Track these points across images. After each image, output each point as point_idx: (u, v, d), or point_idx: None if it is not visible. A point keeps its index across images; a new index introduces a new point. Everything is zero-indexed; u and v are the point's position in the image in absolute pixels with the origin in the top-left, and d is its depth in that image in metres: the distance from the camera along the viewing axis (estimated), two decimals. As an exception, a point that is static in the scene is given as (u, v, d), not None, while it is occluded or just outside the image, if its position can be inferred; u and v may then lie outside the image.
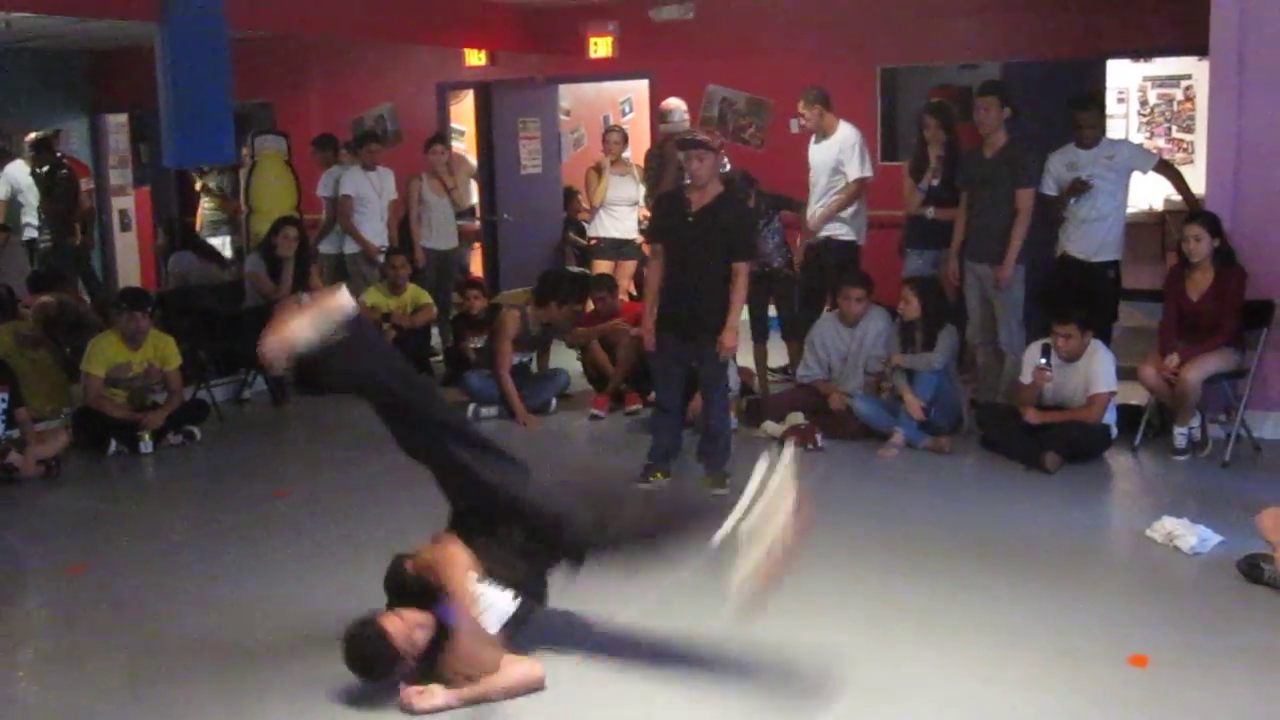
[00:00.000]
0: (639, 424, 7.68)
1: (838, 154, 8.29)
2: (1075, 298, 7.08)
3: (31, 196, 11.43)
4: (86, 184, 10.95)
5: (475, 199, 11.72)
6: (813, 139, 8.45)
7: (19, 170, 11.57)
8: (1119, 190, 7.44)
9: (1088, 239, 7.40)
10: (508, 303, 8.84)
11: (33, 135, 11.58)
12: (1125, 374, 7.00)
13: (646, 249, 7.93)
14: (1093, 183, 7.28)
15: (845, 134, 8.34)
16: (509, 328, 8.18)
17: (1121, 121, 12.52)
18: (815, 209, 8.31)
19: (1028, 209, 7.32)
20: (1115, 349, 7.06)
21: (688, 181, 6.36)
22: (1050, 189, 7.43)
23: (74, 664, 4.54)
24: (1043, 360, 6.81)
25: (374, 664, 3.99)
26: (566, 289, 8.43)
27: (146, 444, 7.46)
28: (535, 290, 8.47)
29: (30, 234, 11.37)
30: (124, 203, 13.80)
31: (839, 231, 8.30)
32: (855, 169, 8.24)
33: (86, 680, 4.36)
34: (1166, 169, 7.78)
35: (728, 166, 8.44)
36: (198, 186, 11.62)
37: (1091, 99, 7.70)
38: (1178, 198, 10.28)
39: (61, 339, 8.48)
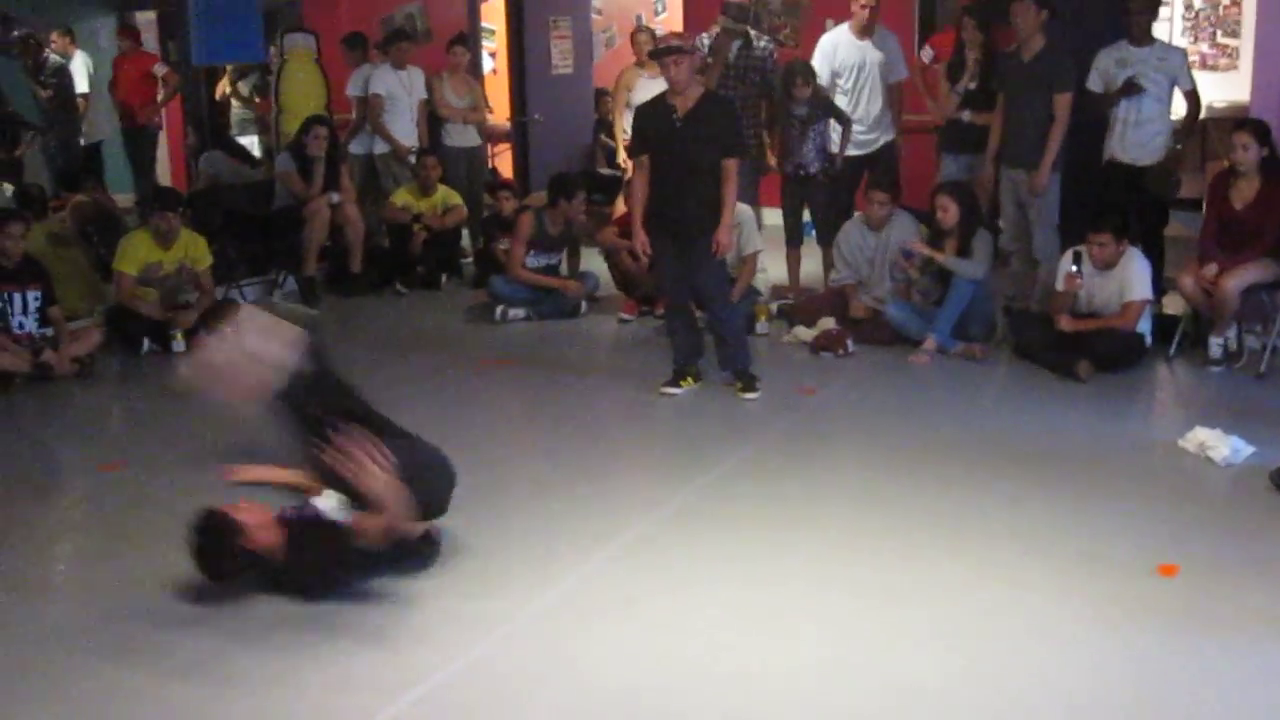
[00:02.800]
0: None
1: (888, 52, 8.17)
2: (1121, 205, 6.97)
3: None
4: (161, 69, 10.70)
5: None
6: (845, 36, 8.27)
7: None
8: (1165, 95, 7.29)
9: (1136, 143, 7.27)
10: (534, 204, 8.80)
11: (15, 34, 11.37)
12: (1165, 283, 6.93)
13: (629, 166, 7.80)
14: (1143, 84, 7.13)
15: (888, 33, 8.22)
16: (523, 228, 8.24)
17: (1165, 25, 12.25)
18: (873, 112, 8.21)
19: (1065, 114, 7.20)
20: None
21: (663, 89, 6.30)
22: (1096, 85, 7.30)
23: (111, 560, 4.60)
24: (1074, 268, 6.73)
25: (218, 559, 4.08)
26: (572, 186, 8.39)
27: (179, 343, 7.48)
28: (547, 190, 8.46)
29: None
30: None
31: (890, 135, 8.24)
32: (904, 68, 8.18)
33: (124, 575, 4.42)
34: (1191, 99, 7.58)
35: (772, 53, 8.32)
36: (219, 93, 11.48)
37: None
38: (1220, 104, 10.12)
39: (95, 238, 8.50)
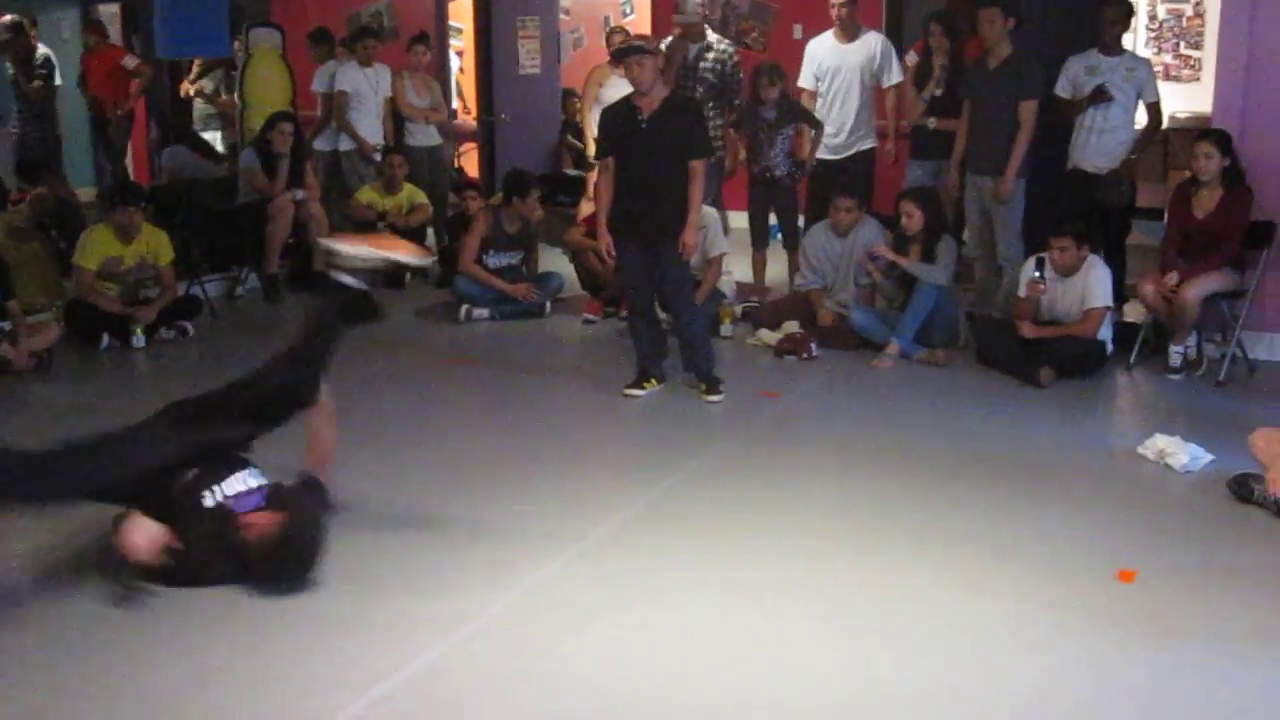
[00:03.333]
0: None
1: (874, 57, 8.17)
2: (1082, 211, 7.03)
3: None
4: (131, 62, 10.58)
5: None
6: (828, 40, 8.28)
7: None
8: (1130, 104, 7.39)
9: (1099, 151, 7.33)
10: (499, 204, 8.78)
11: (7, 18, 11.24)
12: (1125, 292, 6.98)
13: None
14: (1112, 92, 7.20)
15: (876, 37, 8.24)
16: (478, 225, 8.28)
17: (1130, 35, 12.35)
18: (847, 119, 8.21)
19: (1030, 121, 7.26)
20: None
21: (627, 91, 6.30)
22: (1065, 91, 7.36)
23: (68, 555, 4.55)
24: (1037, 274, 6.77)
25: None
26: (526, 184, 8.39)
27: (139, 338, 7.43)
28: (502, 188, 8.47)
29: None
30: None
31: (867, 143, 8.26)
32: (897, 73, 8.20)
33: (82, 572, 4.37)
34: (1154, 110, 7.64)
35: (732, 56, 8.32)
36: (184, 90, 11.38)
37: None
38: (1183, 114, 10.23)
39: (54, 231, 8.40)
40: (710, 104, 8.19)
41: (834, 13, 8.16)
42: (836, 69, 8.23)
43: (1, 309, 6.95)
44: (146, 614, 4.04)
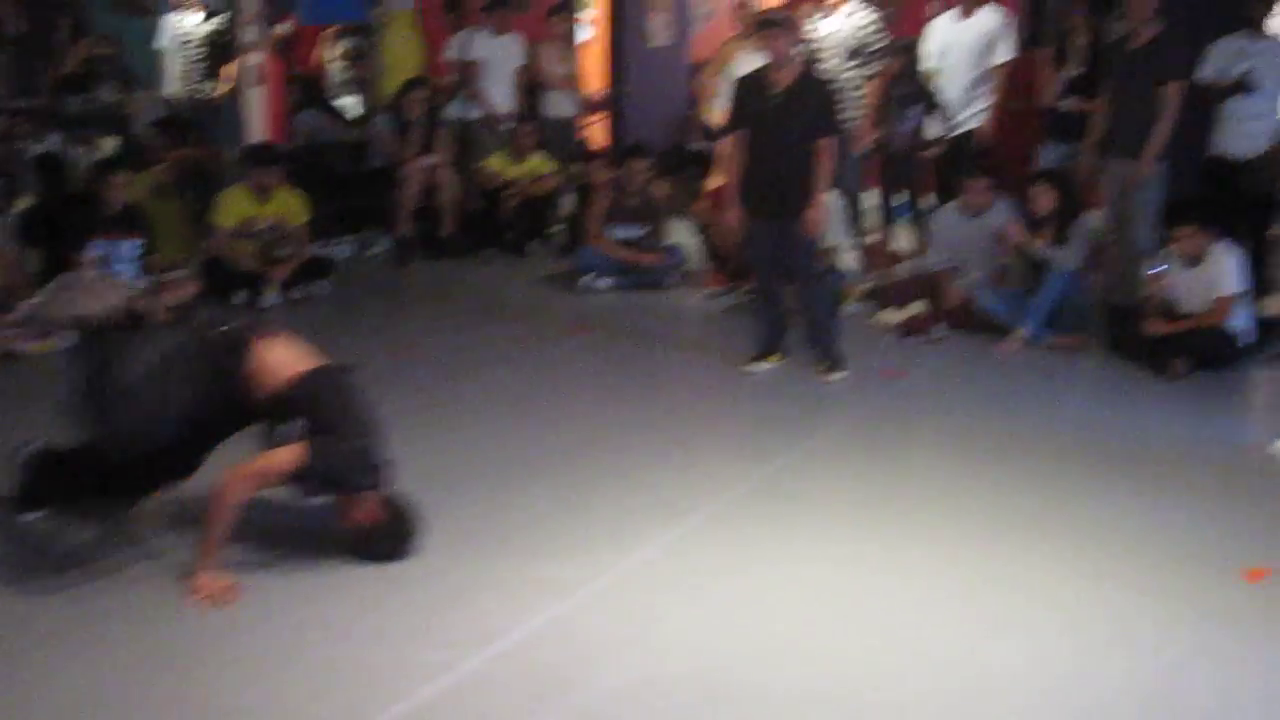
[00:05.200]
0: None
1: (989, 35, 8.05)
2: (1222, 201, 6.82)
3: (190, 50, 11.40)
4: (285, 27, 10.85)
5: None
6: (948, 17, 8.18)
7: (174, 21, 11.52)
8: (1276, 90, 7.12)
9: (1243, 138, 7.11)
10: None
11: None
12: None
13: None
14: (1259, 82, 6.97)
15: (996, 14, 8.09)
16: (601, 196, 8.37)
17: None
18: (959, 95, 8.10)
19: (1174, 104, 7.03)
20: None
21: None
22: (1208, 75, 7.15)
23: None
24: (1158, 268, 6.58)
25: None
26: (635, 150, 8.46)
27: (271, 296, 7.62)
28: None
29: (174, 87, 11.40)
30: (255, 58, 13.85)
31: (976, 122, 8.14)
32: (1008, 51, 8.04)
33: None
34: None
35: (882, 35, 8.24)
36: (317, 57, 11.58)
37: None
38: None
39: (193, 191, 8.64)
40: (852, 73, 8.15)
41: None
42: (950, 47, 8.17)
43: (142, 264, 7.19)
44: (274, 571, 4.16)
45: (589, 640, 3.73)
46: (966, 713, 3.39)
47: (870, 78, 8.22)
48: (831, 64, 8.10)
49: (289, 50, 10.87)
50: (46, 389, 6.15)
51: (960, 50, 8.11)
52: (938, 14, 8.44)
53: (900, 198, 8.52)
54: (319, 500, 4.19)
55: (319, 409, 4.07)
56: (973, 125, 8.19)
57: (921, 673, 3.58)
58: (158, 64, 11.15)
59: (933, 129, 8.05)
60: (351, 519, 4.16)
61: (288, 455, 4.00)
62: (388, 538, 4.19)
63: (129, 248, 7.14)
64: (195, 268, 7.86)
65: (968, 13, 8.11)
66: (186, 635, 3.72)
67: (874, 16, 8.42)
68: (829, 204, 7.09)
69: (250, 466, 4.02)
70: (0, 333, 6.43)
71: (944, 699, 3.45)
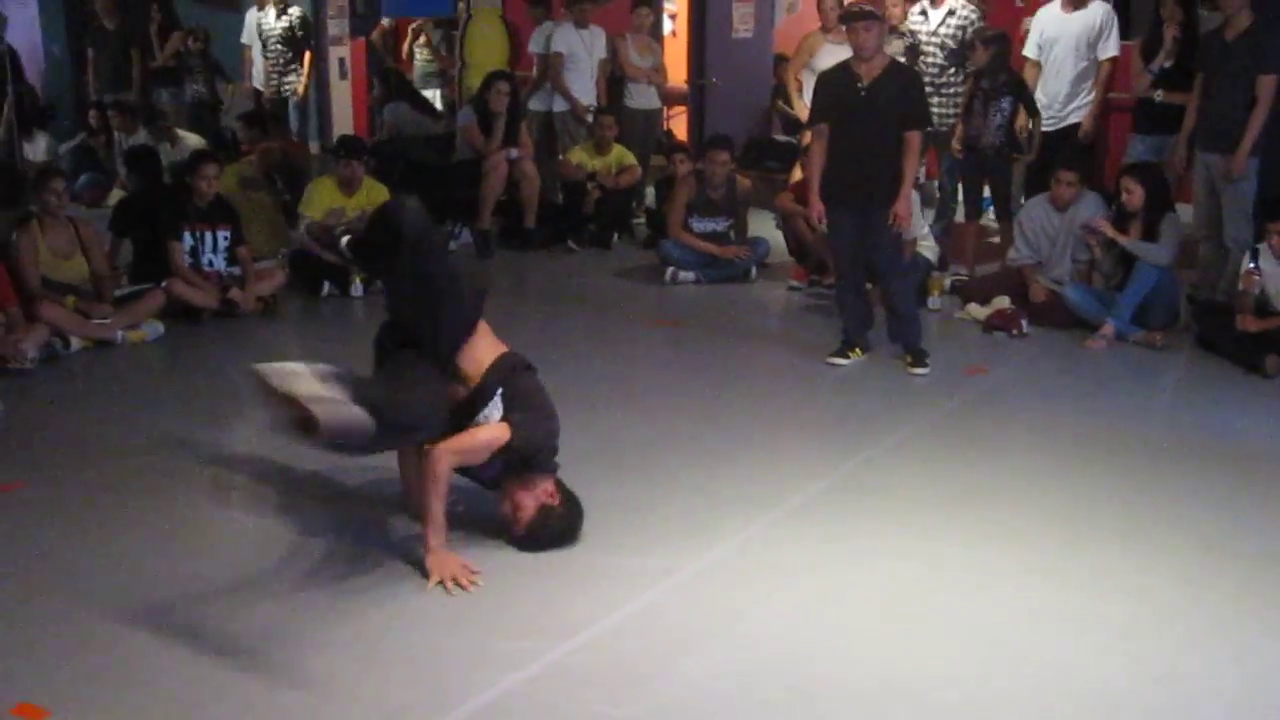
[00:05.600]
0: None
1: (1095, 28, 7.93)
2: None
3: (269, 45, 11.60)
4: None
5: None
6: (1054, 9, 8.07)
7: (256, 17, 11.74)
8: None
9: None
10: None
11: None
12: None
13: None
14: None
15: (1102, 7, 7.97)
16: (682, 189, 8.34)
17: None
18: (1060, 89, 8.01)
19: (1269, 97, 6.89)
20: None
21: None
22: None
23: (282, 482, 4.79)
24: (1252, 265, 6.44)
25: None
26: (718, 140, 8.42)
27: (358, 287, 7.71)
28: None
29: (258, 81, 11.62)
30: (340, 52, 14.05)
31: (1077, 116, 8.02)
32: (1114, 47, 7.93)
33: (307, 500, 4.60)
34: None
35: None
36: (404, 50, 11.72)
37: None
38: None
39: (280, 183, 8.79)
40: (950, 69, 8.07)
41: None
42: (1056, 38, 8.03)
43: (232, 254, 7.32)
44: (365, 562, 4.22)
45: (671, 632, 3.75)
46: (1049, 715, 3.36)
47: (968, 76, 8.15)
48: (933, 59, 8.05)
49: (390, 44, 11.00)
50: (142, 377, 6.34)
51: (1067, 42, 7.98)
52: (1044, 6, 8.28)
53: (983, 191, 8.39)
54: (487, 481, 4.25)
55: (519, 389, 4.20)
56: (1075, 120, 8.05)
57: (998, 671, 3.55)
58: (243, 58, 11.37)
59: (1029, 137, 7.91)
60: (524, 504, 4.19)
61: (494, 431, 4.10)
62: (561, 521, 4.24)
63: (219, 238, 7.27)
64: (283, 259, 7.99)
65: (1076, 4, 7.96)
66: (281, 620, 3.79)
67: (976, 14, 8.35)
68: (913, 197, 7.04)
69: (457, 441, 4.08)
70: (96, 324, 6.59)
71: (1027, 697, 3.42)
